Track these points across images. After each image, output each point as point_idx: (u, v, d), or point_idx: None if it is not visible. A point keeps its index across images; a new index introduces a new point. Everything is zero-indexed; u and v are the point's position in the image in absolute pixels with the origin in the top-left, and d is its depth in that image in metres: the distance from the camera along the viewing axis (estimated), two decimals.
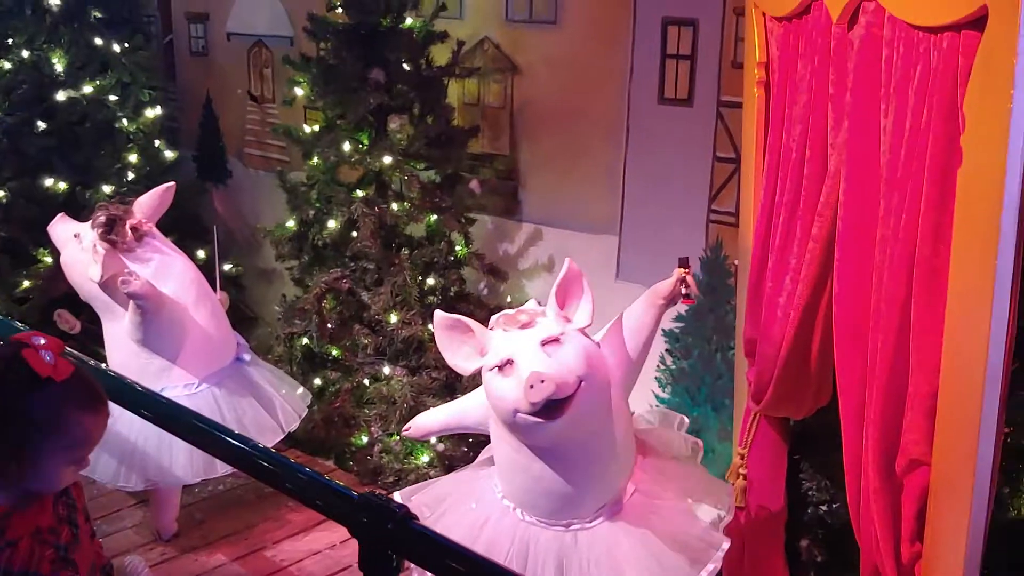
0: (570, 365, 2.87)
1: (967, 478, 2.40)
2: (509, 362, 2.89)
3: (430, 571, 2.27)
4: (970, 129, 2.37)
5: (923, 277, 2.54)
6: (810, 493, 3.76)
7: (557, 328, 2.95)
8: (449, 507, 3.20)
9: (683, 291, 3.09)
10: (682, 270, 3.10)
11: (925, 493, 2.60)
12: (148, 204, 4.18)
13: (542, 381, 2.78)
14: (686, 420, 3.63)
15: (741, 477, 3.71)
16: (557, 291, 3.02)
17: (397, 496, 3.31)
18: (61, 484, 2.22)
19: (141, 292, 3.87)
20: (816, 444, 3.72)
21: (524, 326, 2.97)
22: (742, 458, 3.71)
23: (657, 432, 3.55)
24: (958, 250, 2.42)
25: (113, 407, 3.99)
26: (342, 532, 4.21)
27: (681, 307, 4.40)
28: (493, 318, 3.07)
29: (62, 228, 4.22)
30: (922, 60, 2.54)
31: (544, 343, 2.91)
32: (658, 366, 4.56)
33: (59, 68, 5.18)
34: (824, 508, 3.75)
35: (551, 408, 2.83)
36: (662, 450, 3.41)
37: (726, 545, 3.12)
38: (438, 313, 3.07)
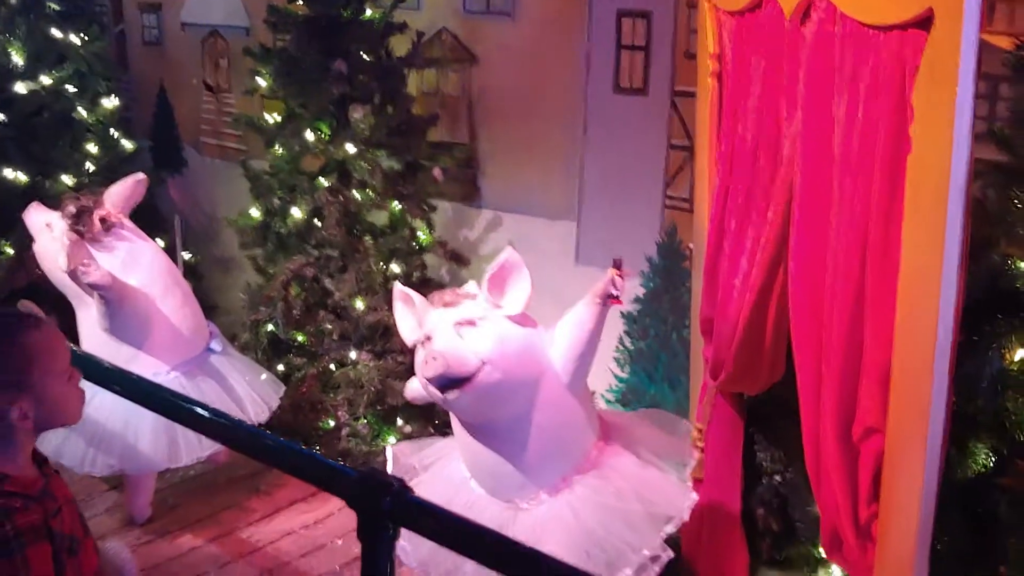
0: (475, 347, 3.02)
1: (919, 443, 2.59)
2: (428, 337, 3.08)
3: (428, 538, 2.40)
4: (918, 120, 2.55)
5: (875, 256, 2.72)
6: (764, 464, 3.95)
7: (477, 311, 3.09)
8: (432, 472, 3.40)
9: (612, 291, 3.13)
10: (613, 271, 3.15)
11: (880, 458, 2.80)
12: (118, 195, 4.24)
13: (435, 358, 2.97)
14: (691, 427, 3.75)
15: (699, 450, 3.87)
16: (491, 277, 3.14)
17: (389, 452, 3.52)
18: (75, 405, 2.29)
19: (100, 282, 3.93)
20: (770, 418, 3.90)
21: (447, 305, 3.12)
22: (700, 432, 3.86)
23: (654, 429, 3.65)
24: (908, 231, 2.61)
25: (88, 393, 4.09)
26: (315, 513, 4.39)
27: (638, 290, 4.59)
28: (431, 295, 3.23)
29: (35, 217, 4.26)
30: (872, 55, 2.72)
31: (459, 323, 3.06)
32: (616, 347, 4.72)
33: (17, 60, 5.17)
34: (778, 478, 3.94)
35: (451, 384, 3.01)
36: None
37: (694, 496, 3.33)
38: (396, 284, 3.30)
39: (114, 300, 4.03)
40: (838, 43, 2.87)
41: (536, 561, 2.23)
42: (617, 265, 3.13)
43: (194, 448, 4.08)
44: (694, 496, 3.36)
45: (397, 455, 3.54)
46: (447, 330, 3.06)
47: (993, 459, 2.93)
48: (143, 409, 3.90)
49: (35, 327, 2.24)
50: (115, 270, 4.10)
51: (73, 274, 4.04)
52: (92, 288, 3.98)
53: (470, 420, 3.23)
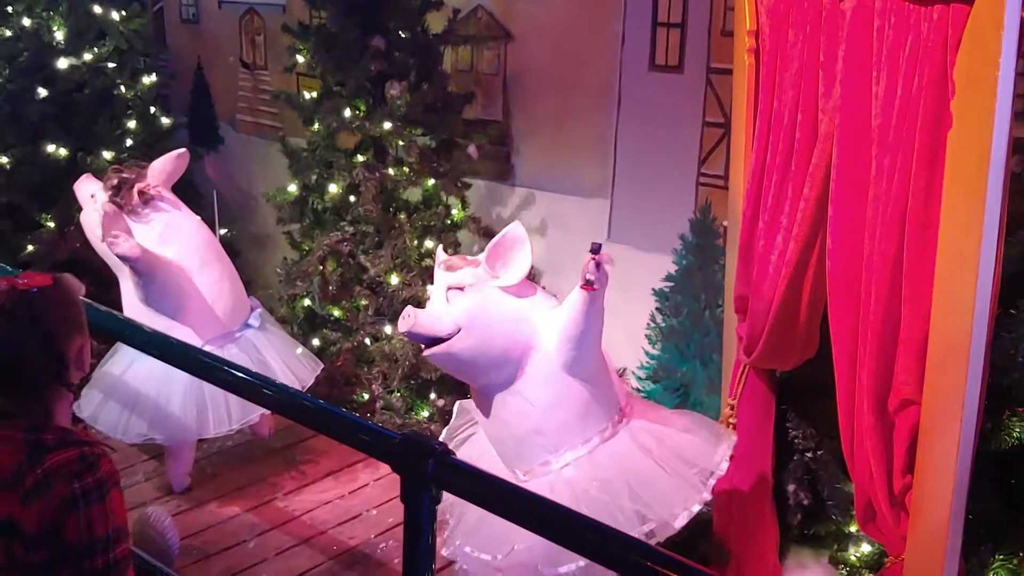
0: (453, 312, 3.21)
1: (955, 415, 2.62)
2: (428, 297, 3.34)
3: (469, 500, 2.45)
4: (959, 95, 2.57)
5: (914, 231, 2.75)
6: (796, 441, 3.97)
7: (470, 278, 3.26)
8: (474, 434, 3.58)
9: (586, 276, 3.16)
10: (590, 256, 3.18)
11: (915, 430, 2.83)
12: (161, 169, 4.31)
13: (408, 316, 3.19)
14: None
15: (731, 426, 3.90)
16: (492, 248, 3.29)
17: (457, 406, 3.67)
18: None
19: (127, 253, 4.02)
20: (802, 394, 3.92)
21: (449, 268, 3.31)
22: (732, 408, 3.89)
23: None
24: (947, 205, 2.63)
25: (122, 358, 4.18)
26: (351, 484, 4.45)
27: (670, 266, 4.60)
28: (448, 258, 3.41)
29: (84, 188, 4.35)
30: (913, 30, 2.73)
31: (450, 287, 3.26)
32: (648, 324, 4.74)
33: (59, 36, 5.25)
34: (809, 455, 3.96)
35: (425, 342, 3.24)
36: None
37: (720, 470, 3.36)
38: (439, 250, 3.46)
39: (144, 272, 4.11)
40: (877, 18, 2.89)
41: (576, 523, 2.28)
42: (595, 251, 3.15)
43: (223, 421, 4.15)
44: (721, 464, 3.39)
45: (464, 408, 3.65)
46: (438, 292, 3.28)
47: None
48: (176, 378, 4.05)
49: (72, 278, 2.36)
50: (151, 242, 4.18)
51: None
52: (121, 259, 4.06)
53: (457, 378, 3.44)
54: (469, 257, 3.40)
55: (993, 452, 2.93)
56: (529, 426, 3.35)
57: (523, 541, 3.08)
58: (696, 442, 3.40)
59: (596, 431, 3.36)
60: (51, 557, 2.07)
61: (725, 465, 3.37)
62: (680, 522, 3.23)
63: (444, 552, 3.24)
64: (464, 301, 3.25)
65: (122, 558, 2.13)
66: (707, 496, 3.31)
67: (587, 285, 3.14)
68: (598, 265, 3.11)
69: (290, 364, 4.44)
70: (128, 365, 4.23)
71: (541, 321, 3.31)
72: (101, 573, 2.09)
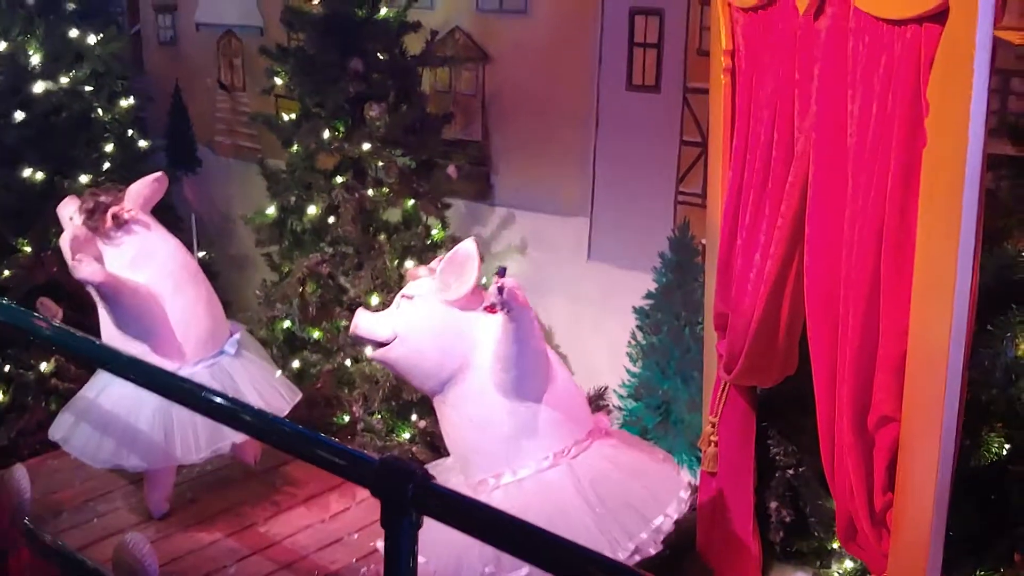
0: (394, 319, 3.47)
1: (934, 431, 2.63)
2: None
3: (451, 526, 2.43)
4: (933, 113, 2.60)
5: (891, 249, 2.76)
6: (778, 458, 3.98)
7: (420, 289, 3.49)
8: None
9: (490, 300, 3.26)
10: (496, 278, 3.27)
11: (895, 446, 2.84)
12: (138, 192, 4.29)
13: (355, 319, 3.51)
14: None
15: (712, 444, 3.91)
16: (444, 263, 3.47)
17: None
18: None
19: (88, 277, 4.01)
20: (783, 411, 3.94)
21: (410, 277, 3.61)
22: (713, 426, 3.90)
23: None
24: (923, 222, 2.65)
25: (97, 382, 4.16)
26: (332, 507, 4.42)
27: (650, 284, 4.62)
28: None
29: (65, 210, 4.35)
30: (887, 50, 2.76)
31: (403, 295, 3.53)
32: (629, 341, 4.75)
33: (35, 60, 5.22)
34: (791, 471, 3.97)
35: (374, 345, 3.53)
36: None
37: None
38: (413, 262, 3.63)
39: (109, 296, 4.10)
40: (852, 38, 2.91)
41: (564, 550, 2.26)
42: (499, 274, 3.25)
43: (190, 448, 4.09)
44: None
45: None
46: (397, 299, 3.54)
47: (1006, 447, 2.97)
48: (145, 404, 4.03)
49: None
50: (122, 266, 4.17)
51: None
52: (85, 283, 4.04)
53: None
54: (429, 266, 3.58)
55: (972, 468, 2.95)
56: (467, 442, 3.50)
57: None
58: (645, 496, 3.40)
59: (533, 459, 3.41)
60: None
61: (667, 522, 3.37)
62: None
63: None
64: (407, 310, 3.47)
65: None
66: (630, 546, 3.29)
67: (490, 308, 3.30)
68: (500, 289, 3.18)
69: (265, 393, 4.36)
70: (101, 389, 4.21)
71: (481, 339, 3.38)
72: None
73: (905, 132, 2.70)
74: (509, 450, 3.42)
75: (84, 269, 4.00)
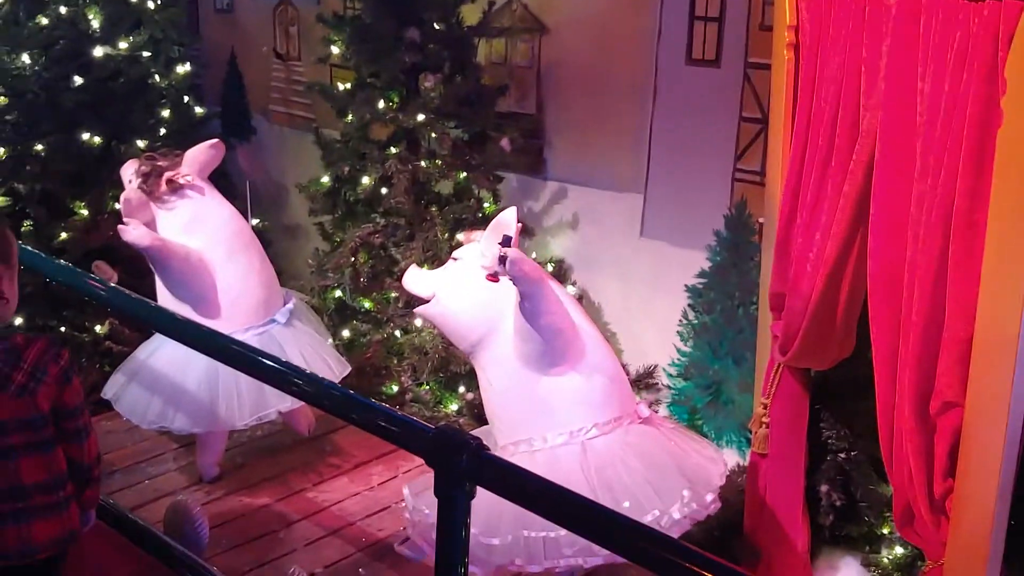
0: (435, 279, 3.67)
1: (1000, 419, 2.58)
2: None
3: (504, 497, 2.43)
4: (1011, 91, 2.52)
5: (960, 231, 2.70)
6: (830, 441, 3.94)
7: (466, 252, 3.62)
8: None
9: (494, 268, 3.35)
10: (499, 247, 3.34)
11: (957, 433, 2.79)
12: (194, 158, 4.31)
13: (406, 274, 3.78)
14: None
15: (764, 425, 3.87)
16: (488, 230, 3.54)
17: None
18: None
19: (135, 241, 4.04)
20: (837, 394, 3.89)
21: (465, 240, 3.75)
22: (765, 407, 3.86)
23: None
24: (996, 204, 2.59)
25: (150, 344, 4.21)
26: (380, 475, 4.44)
27: (704, 263, 4.57)
28: None
29: (126, 172, 4.37)
30: (962, 26, 2.69)
31: (452, 257, 3.70)
32: (680, 320, 4.71)
33: (95, 24, 5.26)
34: (843, 455, 3.93)
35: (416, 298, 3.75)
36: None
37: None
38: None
39: (158, 260, 4.13)
40: (924, 13, 2.84)
41: (614, 522, 2.25)
42: (504, 243, 3.32)
43: (234, 415, 4.09)
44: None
45: None
46: (449, 260, 3.70)
47: None
48: (192, 368, 4.07)
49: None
50: (175, 231, 4.19)
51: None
52: (134, 247, 4.08)
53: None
54: (482, 231, 3.61)
55: None
56: (491, 407, 3.62)
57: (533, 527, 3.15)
58: (649, 492, 3.33)
59: (549, 432, 3.42)
60: (57, 425, 2.63)
61: (664, 519, 3.30)
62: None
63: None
64: (449, 271, 3.63)
65: (90, 421, 2.73)
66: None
67: (491, 276, 3.39)
68: (503, 259, 3.26)
69: (313, 364, 4.31)
70: (152, 351, 4.25)
71: (512, 307, 3.41)
72: (84, 430, 2.69)
73: (979, 111, 2.63)
74: (526, 421, 3.48)
75: (131, 233, 4.03)
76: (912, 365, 2.87)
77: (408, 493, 3.55)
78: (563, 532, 3.11)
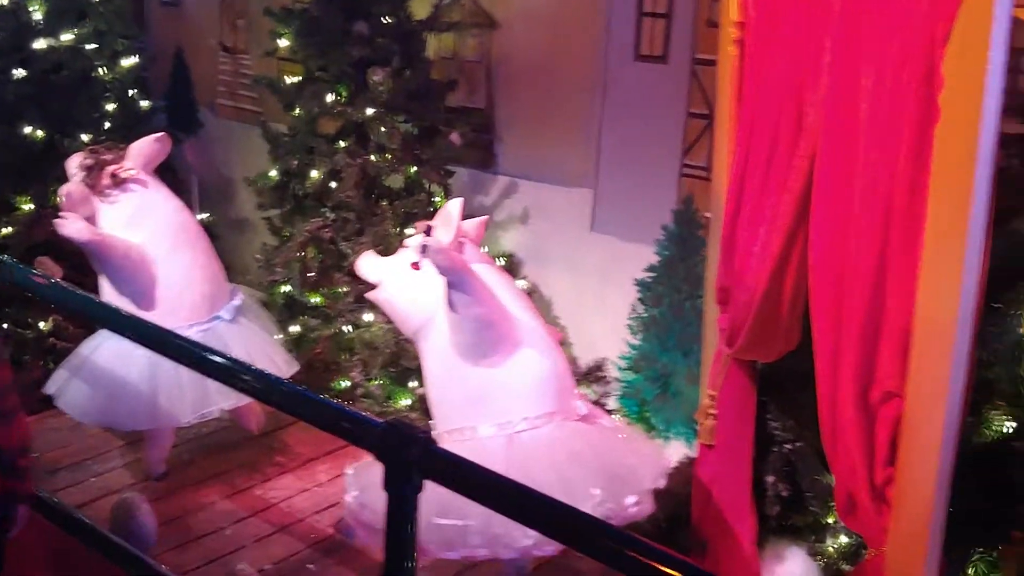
0: (385, 266, 3.78)
1: (939, 408, 2.63)
2: None
3: (454, 490, 2.44)
4: (948, 88, 2.58)
5: (899, 224, 2.75)
6: (776, 432, 3.97)
7: (412, 242, 3.70)
8: None
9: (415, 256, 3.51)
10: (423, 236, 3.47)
11: (897, 422, 2.84)
12: (139, 152, 4.27)
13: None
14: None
15: (711, 417, 3.90)
16: (437, 218, 3.66)
17: None
18: None
19: (73, 235, 4.01)
20: (783, 386, 3.93)
21: (417, 230, 3.79)
22: (712, 399, 3.89)
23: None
24: (934, 198, 2.64)
25: (93, 340, 4.17)
26: (329, 471, 4.42)
27: (653, 257, 4.61)
28: None
29: (71, 165, 4.32)
30: (902, 23, 2.73)
31: (404, 246, 3.80)
32: (630, 314, 4.75)
33: (37, 16, 5.18)
34: (789, 446, 3.97)
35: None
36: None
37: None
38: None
39: (97, 255, 4.10)
40: (867, 11, 2.88)
41: (565, 515, 2.27)
42: (425, 232, 3.47)
43: (176, 413, 4.07)
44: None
45: None
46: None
47: (1010, 425, 2.98)
48: (133, 366, 4.04)
49: None
50: (118, 225, 4.15)
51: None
52: (72, 241, 4.03)
53: None
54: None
55: (975, 445, 2.95)
56: (429, 395, 3.70)
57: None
58: (560, 493, 3.29)
59: (478, 423, 3.47)
60: None
61: None
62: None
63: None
64: (397, 260, 3.72)
65: (17, 406, 2.69)
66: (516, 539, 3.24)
67: (413, 264, 3.54)
68: (423, 248, 3.39)
69: (259, 362, 4.19)
70: (96, 347, 4.20)
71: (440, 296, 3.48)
72: (7, 414, 2.64)
73: (918, 107, 2.67)
74: (460, 410, 3.54)
75: (69, 227, 3.99)
76: (853, 356, 2.92)
77: (350, 473, 3.57)
78: (472, 522, 3.15)
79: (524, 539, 3.19)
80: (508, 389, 3.49)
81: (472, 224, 3.97)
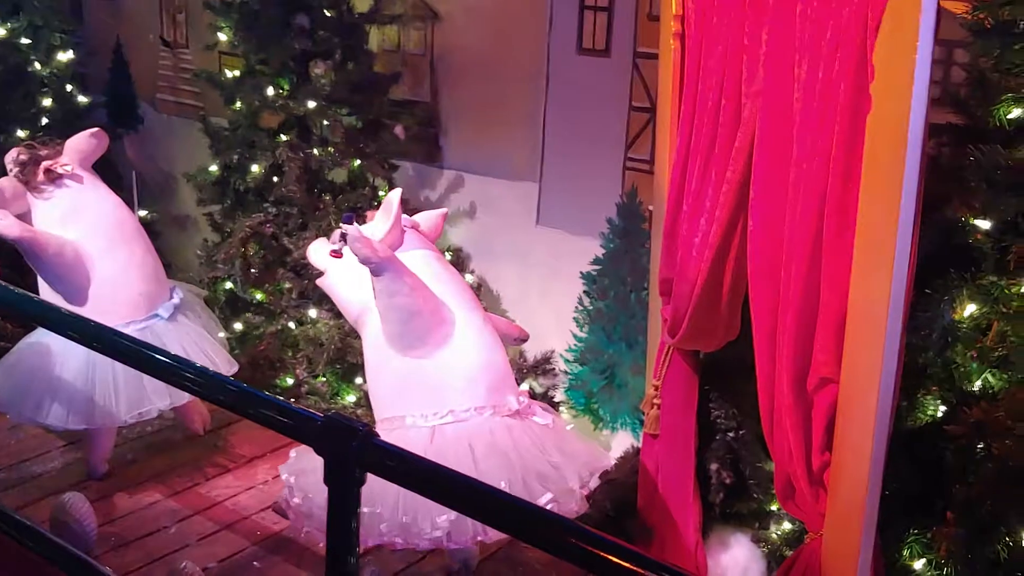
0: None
1: (872, 393, 2.68)
2: None
3: (394, 482, 2.43)
4: (878, 78, 2.62)
5: (833, 212, 2.80)
6: (719, 421, 4.02)
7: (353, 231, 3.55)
8: None
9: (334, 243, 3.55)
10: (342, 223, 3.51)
11: (833, 408, 2.89)
12: (75, 147, 4.20)
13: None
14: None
15: (655, 406, 3.94)
16: (380, 210, 3.71)
17: None
18: None
19: (2, 232, 3.95)
20: (725, 375, 3.97)
21: (368, 219, 3.78)
22: (656, 389, 3.93)
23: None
24: (866, 187, 2.68)
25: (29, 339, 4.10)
26: (273, 469, 4.39)
27: (598, 250, 4.64)
28: None
29: (7, 161, 4.24)
30: (835, 14, 2.77)
31: None
32: (576, 307, 4.77)
33: None
34: (731, 434, 4.02)
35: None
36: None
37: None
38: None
39: (29, 252, 4.04)
40: (800, 2, 2.92)
41: (505, 504, 2.27)
42: (346, 220, 3.48)
43: (110, 413, 4.00)
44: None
45: None
46: None
47: (942, 409, 3.04)
48: (66, 364, 4.00)
49: None
50: (53, 222, 4.09)
51: None
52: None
53: None
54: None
55: (909, 429, 3.01)
56: (368, 383, 3.70)
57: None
58: None
59: (407, 413, 3.47)
60: None
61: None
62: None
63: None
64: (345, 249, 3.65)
65: None
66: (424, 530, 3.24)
67: (333, 252, 3.58)
68: (343, 236, 3.42)
69: (197, 362, 4.23)
70: (30, 345, 4.15)
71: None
72: None
73: (850, 97, 2.72)
74: (390, 400, 3.56)
75: None
76: (790, 343, 2.96)
77: (292, 455, 3.59)
78: (379, 510, 3.17)
79: (434, 531, 3.19)
80: (436, 381, 3.49)
81: (428, 216, 3.97)
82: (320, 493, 3.19)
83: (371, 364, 3.64)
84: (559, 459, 3.47)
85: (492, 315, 4.04)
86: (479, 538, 3.34)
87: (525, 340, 4.19)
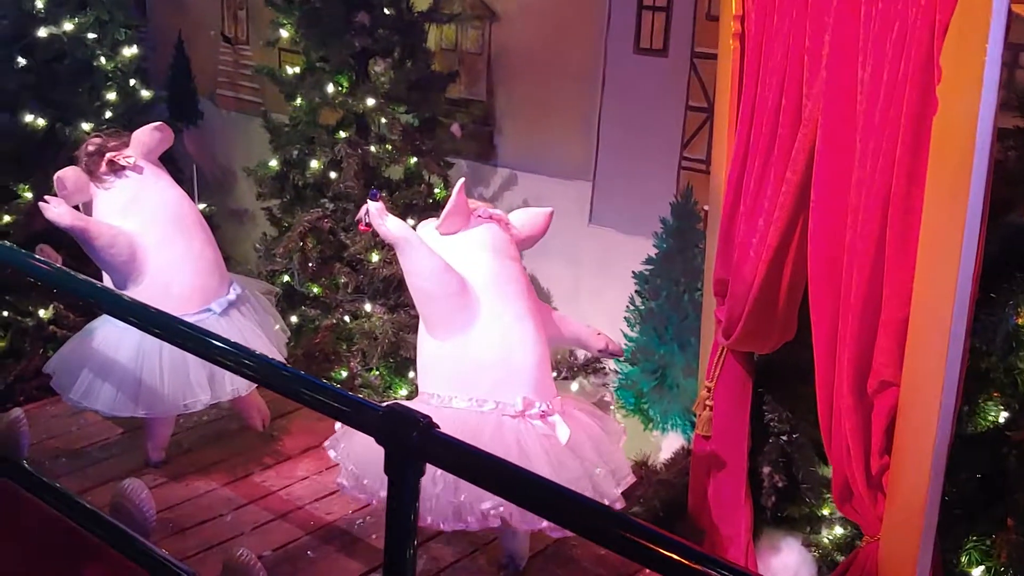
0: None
1: (934, 397, 2.66)
2: None
3: (454, 474, 2.46)
4: (946, 80, 2.60)
5: (897, 215, 2.78)
6: (772, 424, 4.00)
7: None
8: None
9: (362, 217, 3.54)
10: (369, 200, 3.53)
11: (893, 411, 2.87)
12: (140, 140, 4.27)
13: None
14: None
15: (708, 408, 3.93)
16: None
17: None
18: None
19: (55, 219, 4.00)
20: (779, 377, 3.96)
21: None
22: (709, 391, 3.93)
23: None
24: (931, 189, 2.67)
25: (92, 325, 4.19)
26: (328, 459, 4.42)
27: (651, 250, 4.63)
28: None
29: (80, 150, 4.31)
30: (900, 15, 2.76)
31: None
32: (627, 306, 4.77)
33: (39, 4, 5.19)
34: (784, 438, 4.00)
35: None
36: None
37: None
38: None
39: (83, 240, 4.07)
40: (865, 3, 2.90)
41: (564, 499, 2.28)
42: (371, 197, 3.50)
43: (156, 403, 4.04)
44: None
45: None
46: None
47: (1004, 415, 3.01)
48: (122, 353, 4.03)
49: None
50: (112, 212, 4.15)
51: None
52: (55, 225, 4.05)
53: None
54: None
55: (970, 434, 2.99)
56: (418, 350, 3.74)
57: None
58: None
59: (422, 392, 3.60)
60: None
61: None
62: None
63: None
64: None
65: None
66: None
67: (360, 224, 3.59)
68: (367, 211, 3.46)
69: None
70: (91, 331, 4.21)
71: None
72: None
73: (916, 98, 2.70)
74: (420, 374, 3.69)
75: (51, 211, 3.98)
76: (850, 346, 2.95)
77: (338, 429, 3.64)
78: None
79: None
80: (444, 368, 3.55)
81: (529, 213, 3.94)
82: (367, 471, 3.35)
83: (418, 340, 3.74)
84: (568, 475, 3.31)
85: (570, 321, 3.95)
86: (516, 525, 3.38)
87: (617, 355, 4.03)
